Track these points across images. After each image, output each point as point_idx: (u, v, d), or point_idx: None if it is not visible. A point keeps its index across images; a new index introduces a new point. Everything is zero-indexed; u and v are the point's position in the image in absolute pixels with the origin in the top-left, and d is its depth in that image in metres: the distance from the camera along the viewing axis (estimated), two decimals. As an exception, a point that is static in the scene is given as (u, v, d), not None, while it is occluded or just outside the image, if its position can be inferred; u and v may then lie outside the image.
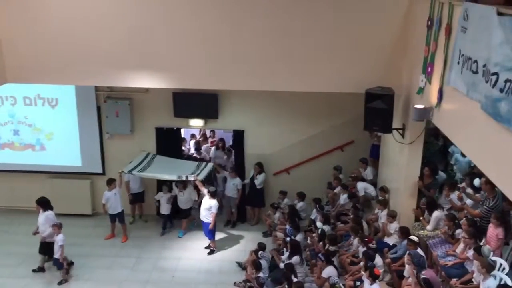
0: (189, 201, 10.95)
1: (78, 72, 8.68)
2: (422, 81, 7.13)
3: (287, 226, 9.61)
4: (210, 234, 10.40)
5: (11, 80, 8.72)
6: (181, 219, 11.17)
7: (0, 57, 8.45)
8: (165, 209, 11.04)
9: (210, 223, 10.16)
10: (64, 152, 11.63)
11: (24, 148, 11.69)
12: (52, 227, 9.34)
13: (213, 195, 10.18)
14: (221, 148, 12.32)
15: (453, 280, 6.80)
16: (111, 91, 11.12)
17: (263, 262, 8.99)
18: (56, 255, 9.31)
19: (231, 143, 12.47)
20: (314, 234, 9.31)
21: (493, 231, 6.76)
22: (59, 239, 9.23)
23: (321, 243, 8.88)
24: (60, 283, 9.33)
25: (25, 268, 9.74)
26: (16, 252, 10.24)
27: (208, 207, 10.11)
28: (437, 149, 10.05)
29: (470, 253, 6.79)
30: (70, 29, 8.38)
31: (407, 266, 7.19)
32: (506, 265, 6.53)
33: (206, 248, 10.55)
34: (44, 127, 11.52)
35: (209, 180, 10.80)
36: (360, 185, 10.13)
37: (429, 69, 6.86)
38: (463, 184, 8.43)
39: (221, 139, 12.56)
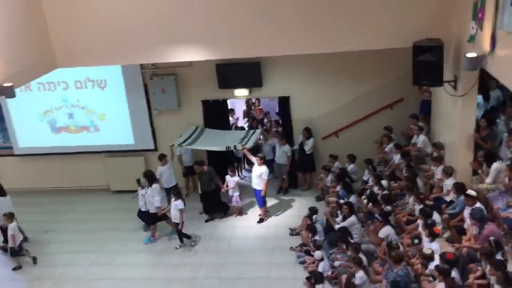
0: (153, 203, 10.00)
1: (123, 52, 8.84)
2: (472, 28, 6.77)
3: (339, 189, 9.57)
4: (261, 201, 10.53)
5: (61, 65, 9.00)
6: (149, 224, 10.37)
7: (48, 43, 8.73)
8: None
9: (261, 190, 10.26)
10: (117, 132, 12.03)
11: (79, 130, 12.17)
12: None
13: (262, 161, 10.24)
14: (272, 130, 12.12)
15: (517, 232, 6.60)
16: (156, 68, 11.31)
17: (318, 226, 9.05)
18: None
19: (277, 110, 12.43)
20: (363, 197, 9.24)
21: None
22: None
23: (370, 204, 8.79)
24: None
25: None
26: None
27: (259, 174, 10.20)
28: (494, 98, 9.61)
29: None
30: (112, 10, 8.51)
31: (467, 221, 7.02)
32: None
33: (259, 215, 10.71)
34: (96, 108, 11.92)
35: (256, 149, 10.88)
36: (421, 138, 9.78)
37: (480, 15, 6.49)
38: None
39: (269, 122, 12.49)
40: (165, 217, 10.18)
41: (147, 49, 8.75)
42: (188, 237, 9.93)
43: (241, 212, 10.90)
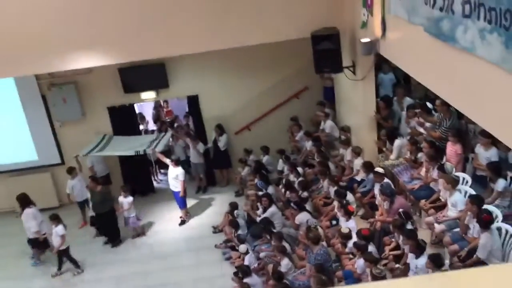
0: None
1: (13, 63, 8.23)
2: (364, 15, 7.16)
3: (257, 181, 9.71)
4: (182, 202, 10.39)
5: None
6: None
7: None
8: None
9: (179, 191, 10.14)
10: (18, 149, 11.22)
11: (-26, 151, 11.21)
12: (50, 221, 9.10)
13: (176, 163, 10.12)
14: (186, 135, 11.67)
15: (422, 201, 7.10)
16: (54, 78, 10.66)
17: (240, 220, 9.11)
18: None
19: (186, 109, 12.31)
20: (280, 186, 9.46)
21: (452, 148, 7.04)
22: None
23: (288, 192, 9.02)
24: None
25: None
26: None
27: (175, 176, 10.07)
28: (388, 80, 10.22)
29: (435, 173, 7.07)
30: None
31: (378, 197, 7.44)
32: (468, 178, 6.84)
33: (180, 218, 10.56)
34: (-10, 126, 11.03)
35: (168, 151, 10.68)
36: (328, 123, 10.18)
37: (369, 2, 6.88)
38: (418, 110, 8.67)
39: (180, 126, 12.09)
40: (46, 242, 9.41)
41: (39, 59, 8.23)
42: (75, 262, 9.28)
43: (142, 233, 10.26)
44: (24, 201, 9.38)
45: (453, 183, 6.49)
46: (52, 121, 11.10)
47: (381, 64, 9.44)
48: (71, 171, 10.26)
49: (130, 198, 9.99)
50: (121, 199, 9.98)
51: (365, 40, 6.98)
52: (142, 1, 8.04)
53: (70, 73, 10.23)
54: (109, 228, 10.06)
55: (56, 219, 9.04)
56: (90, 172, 10.89)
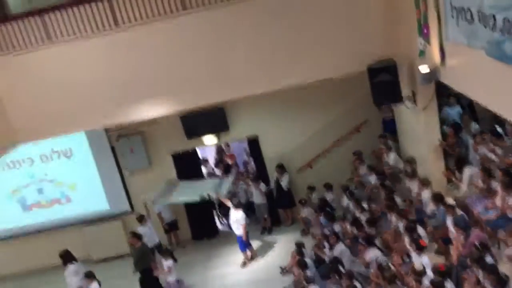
0: None
1: (84, 118, 8.81)
2: (421, 44, 7.06)
3: (322, 219, 9.55)
4: (243, 245, 10.39)
5: (22, 140, 8.88)
6: None
7: (6, 120, 8.59)
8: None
9: (241, 235, 10.15)
10: (90, 199, 11.77)
11: (51, 204, 11.86)
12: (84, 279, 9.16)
13: (237, 206, 10.19)
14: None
15: (501, 232, 6.67)
16: (121, 129, 11.22)
17: (307, 260, 8.93)
18: None
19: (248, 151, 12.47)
20: (346, 224, 9.23)
21: (529, 174, 6.63)
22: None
23: (354, 228, 8.77)
24: None
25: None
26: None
27: (235, 220, 10.15)
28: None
29: (511, 200, 6.65)
30: (67, 79, 8.51)
31: (452, 230, 7.07)
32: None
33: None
34: (65, 179, 11.67)
35: (233, 194, 10.78)
36: (392, 156, 9.94)
37: (425, 30, 6.78)
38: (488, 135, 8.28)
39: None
40: None
41: (108, 112, 8.75)
42: None
43: None
44: (67, 257, 9.63)
45: (534, 211, 6.07)
46: (121, 171, 11.60)
47: (447, 97, 9.20)
48: (141, 219, 10.58)
49: (170, 262, 9.52)
50: (162, 260, 9.67)
51: (424, 69, 6.85)
52: (197, 48, 8.36)
53: (136, 124, 10.72)
54: (152, 285, 9.72)
55: (90, 276, 9.07)
56: (159, 218, 11.20)
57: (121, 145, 11.29)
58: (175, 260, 9.54)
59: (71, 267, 9.58)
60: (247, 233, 10.24)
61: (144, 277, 9.75)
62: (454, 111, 9.62)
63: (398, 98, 8.00)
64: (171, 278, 9.57)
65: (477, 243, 6.34)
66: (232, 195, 11.25)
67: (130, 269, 9.96)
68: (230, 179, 11.06)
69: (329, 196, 10.54)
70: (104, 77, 8.50)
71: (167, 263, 9.50)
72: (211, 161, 13.28)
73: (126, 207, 11.83)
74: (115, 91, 8.56)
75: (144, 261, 9.67)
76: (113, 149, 11.43)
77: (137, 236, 9.82)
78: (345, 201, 10.14)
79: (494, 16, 4.41)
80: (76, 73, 8.50)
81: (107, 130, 11.24)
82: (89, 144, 11.42)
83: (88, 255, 11.96)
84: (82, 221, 11.92)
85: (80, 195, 11.75)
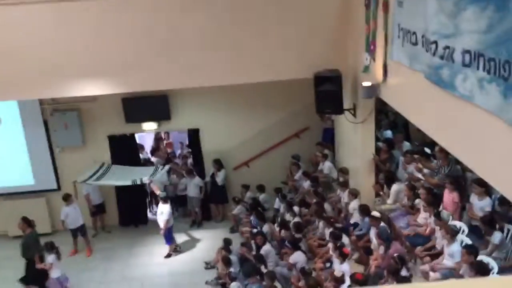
0: None
1: (19, 88, 8.33)
2: (366, 59, 7.27)
3: (252, 218, 9.62)
4: (167, 239, 10.29)
5: None
6: None
7: None
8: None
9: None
10: (15, 172, 11.17)
11: (-29, 172, 11.16)
12: None
13: (164, 200, 10.09)
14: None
15: (418, 248, 7.00)
16: (57, 103, 10.75)
17: (233, 257, 8.97)
18: None
19: (187, 142, 12.35)
20: (275, 224, 9.37)
21: (449, 196, 7.00)
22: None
23: (283, 231, 8.92)
24: None
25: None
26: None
27: (160, 213, 10.09)
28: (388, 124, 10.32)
29: (432, 219, 7.00)
30: (6, 43, 8.02)
31: (374, 241, 7.34)
32: (465, 227, 6.78)
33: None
34: (-11, 147, 11.02)
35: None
36: (327, 164, 10.17)
37: (372, 47, 7.00)
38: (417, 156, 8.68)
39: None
40: None
41: (45, 84, 8.33)
42: None
43: None
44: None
45: (452, 233, 6.42)
46: (52, 147, 11.11)
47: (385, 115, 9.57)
48: (67, 198, 10.18)
49: (52, 257, 8.76)
50: (45, 255, 8.90)
51: (366, 83, 7.07)
52: (148, 33, 8.16)
53: (74, 99, 10.31)
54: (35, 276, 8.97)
55: (52, 248, 8.73)
56: (86, 200, 10.84)
57: (55, 120, 10.82)
58: (58, 255, 8.89)
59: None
60: (168, 228, 10.13)
61: (28, 265, 9.15)
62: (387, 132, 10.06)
63: (340, 109, 8.20)
64: (53, 275, 8.83)
65: (395, 256, 6.61)
66: (164, 186, 11.12)
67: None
68: (165, 168, 10.91)
69: (262, 197, 10.65)
70: (48, 45, 8.03)
71: (49, 258, 8.77)
72: (147, 148, 13.00)
73: (53, 184, 11.35)
74: (57, 62, 8.12)
75: (30, 250, 9.11)
76: (45, 123, 10.92)
77: (27, 222, 9.32)
78: (277, 203, 10.29)
79: (436, 42, 4.62)
80: (18, 38, 7.99)
81: (41, 103, 10.73)
82: (20, 115, 10.84)
83: (5, 230, 11.37)
84: (2, 194, 11.30)
85: (4, 166, 11.12)
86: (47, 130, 10.97)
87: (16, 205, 11.21)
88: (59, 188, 11.30)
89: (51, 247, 8.80)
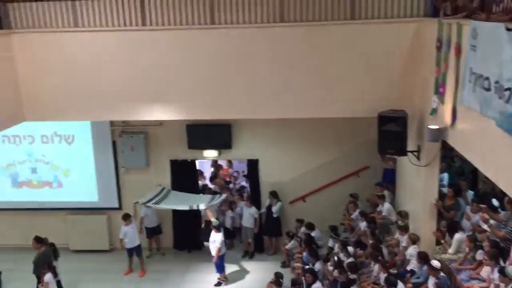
0: None
1: (93, 108, 8.88)
2: (434, 102, 7.10)
3: (304, 254, 9.47)
4: (216, 267, 10.31)
5: (29, 118, 8.92)
6: None
7: (18, 96, 8.66)
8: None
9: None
10: (81, 188, 11.73)
11: (42, 185, 11.83)
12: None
13: (217, 228, 10.13)
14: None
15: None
16: (126, 126, 11.28)
17: (283, 292, 8.84)
18: None
19: (245, 172, 12.46)
20: (329, 263, 9.15)
21: (517, 251, 6.57)
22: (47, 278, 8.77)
23: (336, 271, 8.70)
24: None
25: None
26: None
27: (213, 241, 10.13)
28: (454, 170, 9.92)
29: (496, 275, 6.59)
30: (85, 67, 8.62)
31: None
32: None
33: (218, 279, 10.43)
34: (60, 163, 11.67)
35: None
36: (386, 206, 9.90)
37: (441, 90, 6.83)
38: (484, 206, 8.26)
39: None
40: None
41: (117, 107, 8.83)
42: None
43: None
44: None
45: (516, 289, 6.00)
46: (117, 167, 11.59)
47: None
48: (126, 217, 10.50)
49: (49, 276, 8.81)
50: (46, 277, 8.89)
51: (433, 126, 6.88)
52: (218, 64, 8.47)
53: (142, 123, 10.80)
54: None
55: (49, 268, 8.91)
56: (140, 222, 11.05)
57: (123, 141, 11.31)
58: (55, 275, 9.00)
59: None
60: (220, 257, 10.15)
61: (39, 283, 9.28)
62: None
63: (403, 151, 8.01)
64: None
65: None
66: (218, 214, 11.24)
67: (104, 266, 9.77)
68: (222, 197, 11.04)
69: (314, 233, 10.46)
70: (122, 71, 8.58)
71: (46, 277, 8.80)
72: (206, 175, 13.23)
73: (115, 203, 11.78)
74: (130, 87, 8.63)
75: (40, 268, 9.20)
76: (114, 144, 11.45)
77: (40, 241, 9.52)
78: (331, 242, 10.07)
79: (510, 89, 4.44)
80: (96, 63, 8.59)
81: (111, 124, 11.29)
82: (92, 135, 11.44)
83: (66, 243, 11.87)
84: (67, 208, 11.84)
85: (71, 182, 11.71)
86: (114, 150, 11.48)
87: (78, 220, 11.76)
88: (120, 207, 11.71)
89: (48, 266, 8.96)
